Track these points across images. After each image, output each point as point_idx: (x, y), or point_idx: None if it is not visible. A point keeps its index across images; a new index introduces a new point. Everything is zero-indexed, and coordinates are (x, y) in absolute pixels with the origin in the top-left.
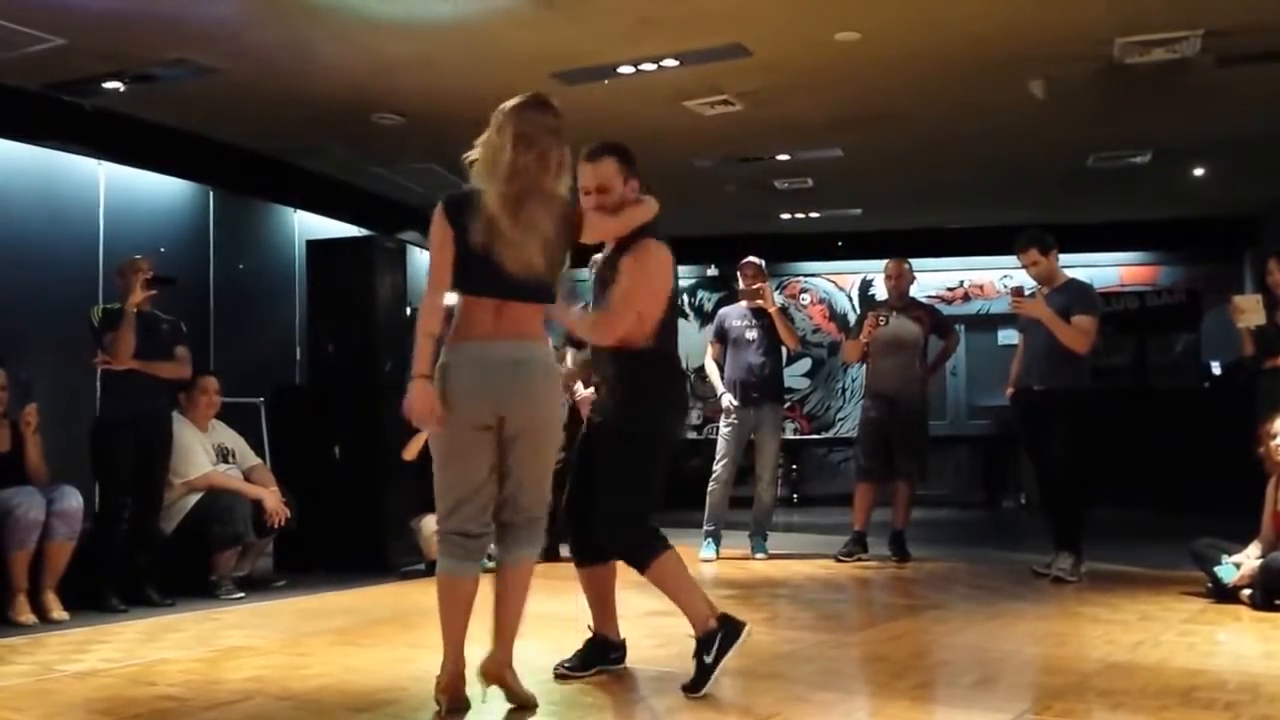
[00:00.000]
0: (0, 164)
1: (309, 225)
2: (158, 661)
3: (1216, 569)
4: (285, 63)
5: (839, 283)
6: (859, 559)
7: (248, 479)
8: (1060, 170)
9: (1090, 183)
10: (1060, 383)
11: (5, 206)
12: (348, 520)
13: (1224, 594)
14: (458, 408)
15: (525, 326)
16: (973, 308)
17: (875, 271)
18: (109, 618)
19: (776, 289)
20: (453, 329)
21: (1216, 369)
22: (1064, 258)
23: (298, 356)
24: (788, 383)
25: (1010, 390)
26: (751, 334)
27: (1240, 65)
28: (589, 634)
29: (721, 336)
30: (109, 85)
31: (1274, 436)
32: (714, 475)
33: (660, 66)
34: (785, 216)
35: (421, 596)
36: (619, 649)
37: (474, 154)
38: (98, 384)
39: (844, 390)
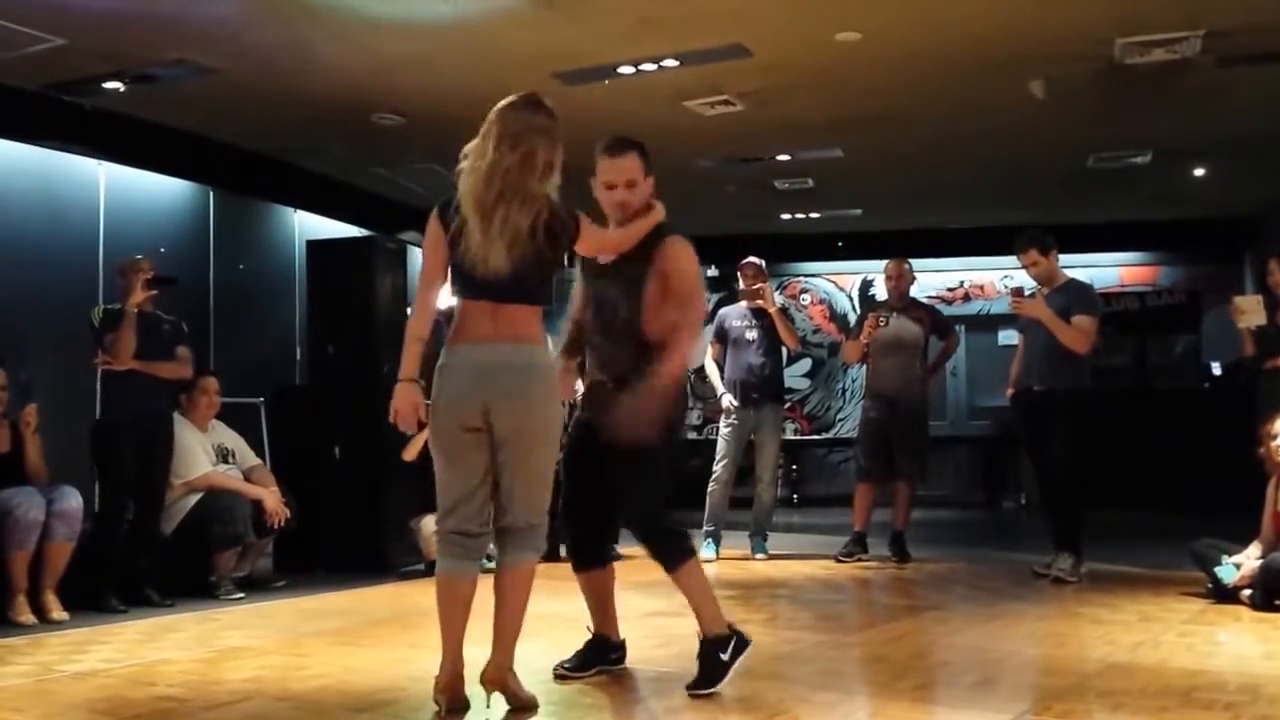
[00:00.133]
0: (0, 164)
1: (309, 225)
2: (157, 662)
3: (1217, 569)
4: (285, 63)
5: (839, 283)
6: (859, 559)
7: (248, 479)
8: (1060, 170)
9: (1090, 183)
10: (1060, 383)
11: (5, 206)
12: (348, 520)
13: (1224, 594)
14: (449, 409)
15: (521, 329)
16: (973, 308)
17: (875, 272)
18: (109, 618)
19: (777, 289)
20: (451, 329)
21: (1217, 369)
22: (1064, 258)
23: (298, 356)
24: (788, 383)
25: (1010, 391)
26: (751, 334)
27: (1240, 66)
28: (589, 635)
29: (721, 337)
30: (109, 85)
31: (1274, 437)
32: (714, 476)
33: (660, 67)
34: (785, 217)
35: (421, 597)
36: (619, 649)
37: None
38: (98, 384)
39: (844, 391)
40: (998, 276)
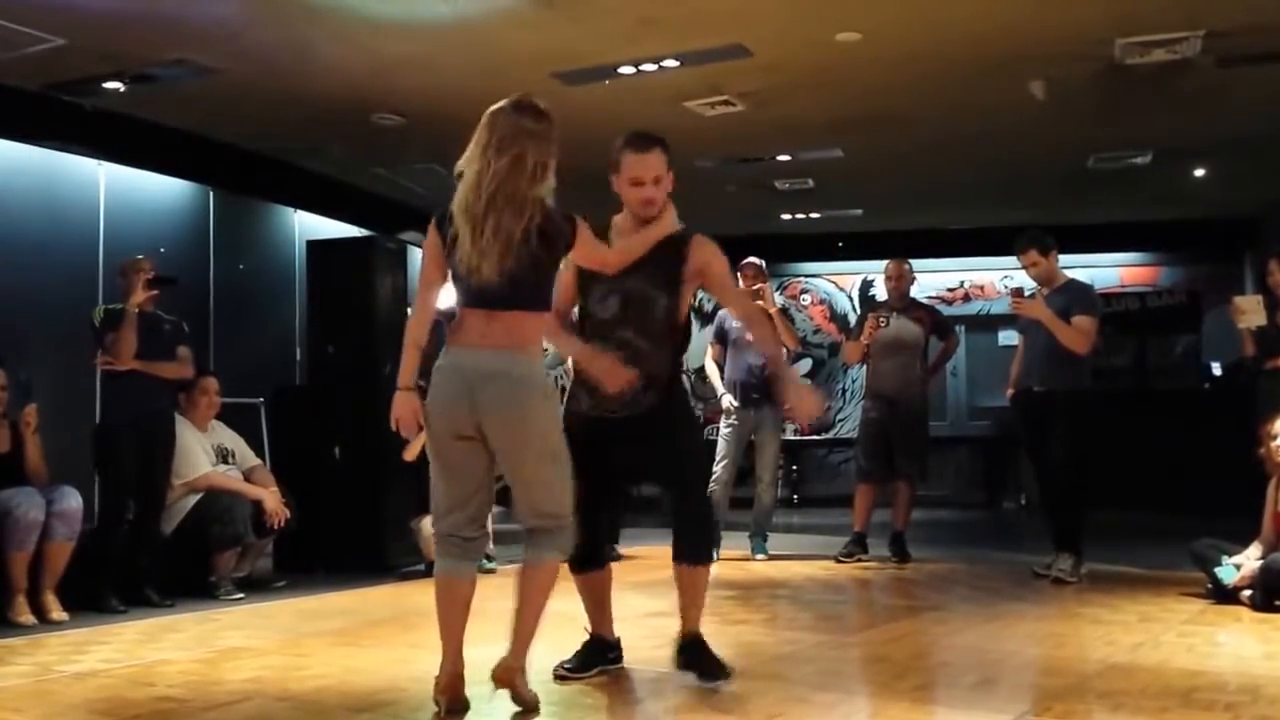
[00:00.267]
0: (0, 164)
1: (309, 225)
2: (157, 662)
3: (1217, 570)
4: (285, 63)
5: (839, 283)
6: (859, 560)
7: (247, 479)
8: (1061, 171)
9: (1091, 183)
10: (1060, 384)
11: (5, 206)
12: (348, 521)
13: (1224, 595)
14: (440, 416)
15: (517, 336)
16: (973, 308)
17: (876, 272)
18: (108, 618)
19: (777, 290)
20: (449, 331)
21: (1217, 370)
22: (1064, 258)
23: (298, 357)
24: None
25: (1010, 391)
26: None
27: (1240, 66)
28: (586, 636)
29: (721, 337)
30: (109, 85)
31: (1274, 437)
32: (714, 476)
33: (661, 67)
34: (786, 217)
35: (421, 597)
36: (615, 649)
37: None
38: (97, 385)
39: (844, 391)
40: (998, 277)
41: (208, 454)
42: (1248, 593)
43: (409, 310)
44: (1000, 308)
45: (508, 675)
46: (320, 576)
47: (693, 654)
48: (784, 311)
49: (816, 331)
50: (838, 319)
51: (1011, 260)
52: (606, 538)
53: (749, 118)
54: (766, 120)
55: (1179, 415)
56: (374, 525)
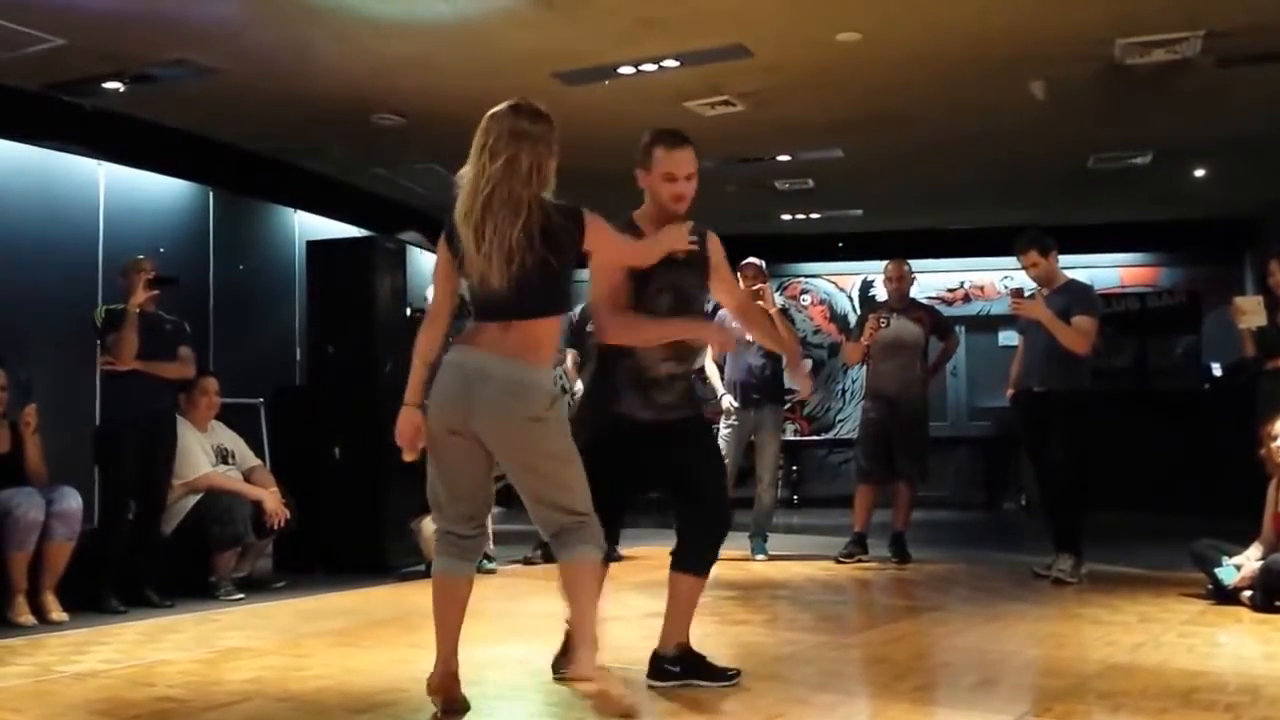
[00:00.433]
0: (0, 164)
1: (309, 225)
2: (157, 663)
3: (1217, 571)
4: (285, 63)
5: (839, 284)
6: (859, 560)
7: (247, 480)
8: (1061, 171)
9: (1091, 184)
10: (1060, 384)
11: (5, 206)
12: (348, 521)
13: (1224, 596)
14: (436, 409)
15: (530, 344)
16: (973, 309)
17: (876, 272)
18: (108, 619)
19: (777, 290)
20: (465, 332)
21: (1217, 370)
22: (1064, 259)
23: (298, 357)
24: (788, 384)
25: (1010, 391)
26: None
27: (1240, 66)
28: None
29: None
30: (109, 85)
31: (1275, 438)
32: None
33: (661, 67)
34: (786, 217)
35: (421, 597)
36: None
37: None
38: (97, 385)
39: (844, 392)
40: (998, 277)
41: (208, 454)
42: (1248, 593)
43: (408, 311)
44: (1000, 308)
45: (585, 671)
46: (320, 577)
47: (690, 664)
48: (784, 312)
49: (816, 332)
50: (838, 319)
51: (1011, 261)
52: (609, 537)
53: (749, 118)
54: (766, 120)
55: (1179, 416)
56: (374, 525)
